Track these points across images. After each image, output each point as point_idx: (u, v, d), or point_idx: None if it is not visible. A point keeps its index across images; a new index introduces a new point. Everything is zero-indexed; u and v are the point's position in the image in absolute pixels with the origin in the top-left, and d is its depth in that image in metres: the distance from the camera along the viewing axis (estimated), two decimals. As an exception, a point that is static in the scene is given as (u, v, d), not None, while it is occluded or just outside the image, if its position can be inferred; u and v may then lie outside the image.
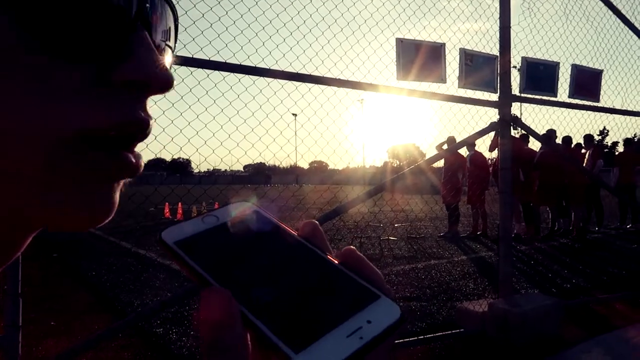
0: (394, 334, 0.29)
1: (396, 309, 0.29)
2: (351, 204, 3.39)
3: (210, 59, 2.91)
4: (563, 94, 4.47)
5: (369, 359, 0.27)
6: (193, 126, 3.11)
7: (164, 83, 0.32)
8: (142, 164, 0.34)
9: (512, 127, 4.14)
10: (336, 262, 0.32)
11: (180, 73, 3.07)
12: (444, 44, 3.73)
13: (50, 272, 6.47)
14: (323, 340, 0.26)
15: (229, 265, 0.30)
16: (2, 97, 0.27)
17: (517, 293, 4.82)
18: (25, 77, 0.27)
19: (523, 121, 4.15)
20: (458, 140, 4.01)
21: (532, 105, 4.50)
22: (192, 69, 2.97)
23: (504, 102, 3.92)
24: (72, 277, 6.31)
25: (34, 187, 0.29)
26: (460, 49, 3.82)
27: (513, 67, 4.13)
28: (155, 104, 3.33)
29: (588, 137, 10.34)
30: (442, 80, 3.74)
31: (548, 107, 4.57)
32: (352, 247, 0.33)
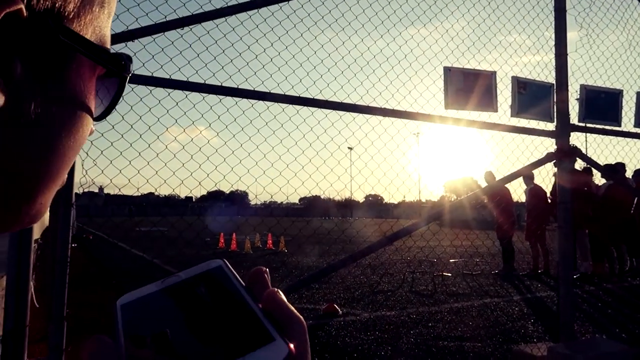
0: None
1: (282, 351, 0.30)
2: (397, 235, 3.29)
3: (271, 91, 2.99)
4: (628, 124, 4.20)
5: None
6: (250, 159, 3.21)
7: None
8: None
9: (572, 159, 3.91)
10: (257, 308, 0.34)
11: (241, 105, 3.17)
12: (495, 72, 3.62)
13: (107, 299, 6.69)
14: None
15: (148, 317, 0.34)
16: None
17: (580, 337, 4.46)
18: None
19: (584, 153, 3.92)
20: (508, 172, 3.83)
21: (593, 135, 4.25)
22: (252, 101, 3.07)
23: (562, 132, 3.72)
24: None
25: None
26: (512, 77, 3.69)
27: (576, 98, 3.95)
28: (217, 135, 3.46)
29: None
30: (494, 109, 3.61)
31: (611, 137, 4.29)
32: (274, 290, 0.36)
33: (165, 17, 2.86)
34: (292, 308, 0.35)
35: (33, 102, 0.32)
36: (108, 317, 5.57)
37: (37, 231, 3.67)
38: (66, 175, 0.40)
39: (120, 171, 2.80)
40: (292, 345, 0.31)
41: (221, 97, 2.99)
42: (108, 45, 0.40)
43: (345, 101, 3.24)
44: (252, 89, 3.01)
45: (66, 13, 0.33)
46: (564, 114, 3.75)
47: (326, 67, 3.58)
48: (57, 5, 0.32)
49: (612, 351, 3.65)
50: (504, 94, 3.74)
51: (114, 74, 0.40)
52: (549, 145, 3.87)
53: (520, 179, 6.95)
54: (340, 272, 8.83)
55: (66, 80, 0.35)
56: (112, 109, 0.42)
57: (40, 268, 3.21)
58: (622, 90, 4.11)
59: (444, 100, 3.48)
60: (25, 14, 0.29)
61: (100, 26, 0.37)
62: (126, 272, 9.20)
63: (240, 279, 0.38)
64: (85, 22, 0.35)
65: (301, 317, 0.35)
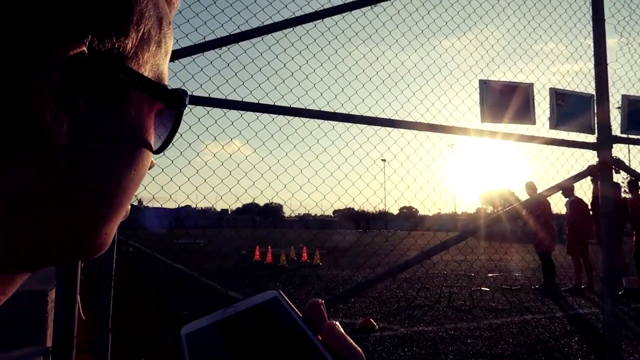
0: None
1: None
2: (432, 251, 3.26)
3: (306, 107, 3.05)
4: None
5: None
6: (287, 174, 3.27)
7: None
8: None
9: (614, 172, 3.78)
10: (316, 340, 0.36)
11: (278, 122, 3.25)
12: (532, 83, 3.56)
13: (147, 310, 6.85)
14: None
15: (211, 346, 0.37)
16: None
17: (628, 357, 4.27)
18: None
19: (628, 165, 3.79)
20: (549, 186, 3.74)
21: (637, 147, 4.11)
22: (289, 117, 3.13)
23: (603, 144, 3.61)
24: (166, 316, 6.62)
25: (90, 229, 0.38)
26: (550, 88, 3.62)
27: (617, 108, 3.84)
28: (255, 151, 3.54)
29: None
30: (532, 122, 3.55)
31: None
32: (333, 322, 0.37)
33: (204, 37, 2.96)
34: (351, 340, 0.36)
35: (95, 137, 0.34)
36: (148, 330, 5.70)
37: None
38: (129, 207, 0.42)
39: (162, 187, 2.89)
40: None
41: (258, 114, 3.06)
42: (165, 82, 0.42)
43: (380, 116, 3.26)
44: (289, 105, 3.07)
45: (125, 52, 0.35)
46: (605, 126, 3.64)
47: (361, 83, 3.62)
48: (117, 45, 0.34)
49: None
50: (542, 106, 3.68)
51: (171, 108, 0.42)
52: (590, 157, 3.77)
53: (560, 191, 6.76)
54: (376, 286, 8.76)
55: (126, 115, 0.37)
56: (170, 142, 0.44)
57: (85, 280, 3.33)
58: (667, 100, 3.97)
59: (480, 113, 3.44)
60: (87, 55, 0.31)
61: (157, 64, 0.40)
62: (165, 284, 9.39)
63: (296, 309, 0.40)
64: (143, 60, 0.37)
65: (360, 349, 0.36)
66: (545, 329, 6.01)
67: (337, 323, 0.37)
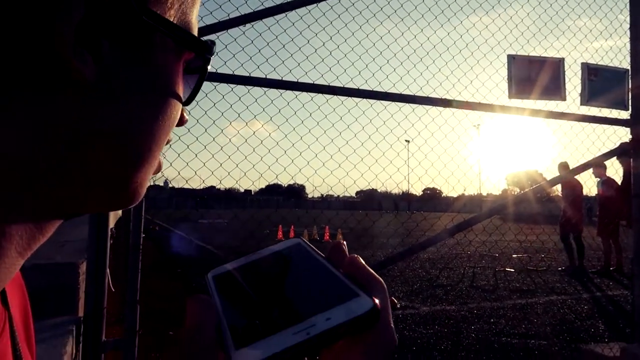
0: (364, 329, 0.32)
1: (367, 304, 0.32)
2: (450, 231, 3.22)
3: (330, 84, 3.02)
4: None
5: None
6: (310, 151, 3.27)
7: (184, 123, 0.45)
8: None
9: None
10: (338, 272, 0.36)
11: (301, 99, 3.23)
12: (563, 58, 3.45)
13: (173, 287, 7.01)
14: (271, 337, 0.30)
15: (238, 286, 0.38)
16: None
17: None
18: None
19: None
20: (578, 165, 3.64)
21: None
22: (312, 94, 3.11)
23: (637, 120, 3.49)
24: (191, 292, 6.77)
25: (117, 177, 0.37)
26: (582, 63, 3.50)
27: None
28: (278, 128, 3.53)
29: None
30: (562, 97, 3.45)
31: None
32: (354, 255, 0.38)
33: (228, 15, 2.95)
34: (372, 270, 0.37)
35: (122, 82, 0.34)
36: (175, 306, 5.84)
37: (111, 220, 3.89)
38: (160, 160, 0.42)
39: (187, 164, 2.92)
40: (376, 300, 0.33)
41: (282, 91, 3.04)
42: (193, 31, 0.41)
43: (404, 92, 3.21)
44: (312, 82, 3.04)
45: None
46: (639, 101, 3.52)
47: (385, 59, 3.56)
48: None
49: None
50: (573, 82, 3.57)
51: (199, 58, 0.41)
52: (623, 134, 3.65)
53: (590, 170, 6.59)
54: (398, 265, 8.78)
55: (153, 61, 0.36)
56: (197, 92, 0.44)
57: (113, 255, 3.42)
58: None
59: (508, 89, 3.36)
60: None
61: (184, 11, 0.39)
62: (191, 262, 9.59)
63: (319, 251, 0.40)
64: (168, 4, 0.36)
65: (380, 278, 0.36)
66: (571, 310, 5.94)
67: (358, 256, 0.38)
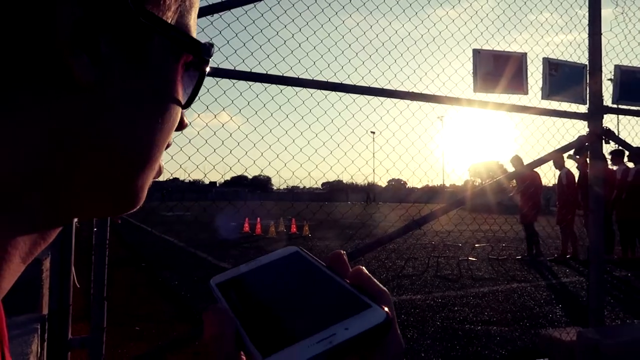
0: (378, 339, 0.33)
1: (381, 315, 0.33)
2: (420, 221, 3.29)
3: (299, 76, 3.00)
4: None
5: None
6: (279, 144, 3.25)
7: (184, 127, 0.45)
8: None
9: (604, 142, 3.82)
10: (344, 283, 0.37)
11: (270, 91, 3.20)
12: (526, 53, 3.55)
13: (138, 281, 6.88)
14: (294, 346, 0.31)
15: (246, 293, 0.38)
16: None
17: (610, 323, 4.41)
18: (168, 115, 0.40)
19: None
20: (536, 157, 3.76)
21: (626, 118, 4.16)
22: (281, 86, 3.08)
23: (595, 114, 3.64)
24: (157, 286, 6.66)
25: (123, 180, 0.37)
26: (543, 58, 3.61)
27: (609, 79, 3.85)
28: (247, 121, 3.49)
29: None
30: (524, 91, 3.56)
31: (647, 119, 4.18)
32: (360, 267, 0.38)
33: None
34: (377, 282, 0.37)
35: (119, 85, 0.34)
36: (140, 300, 5.74)
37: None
38: (161, 164, 0.42)
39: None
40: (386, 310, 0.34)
41: (250, 83, 3.01)
42: (192, 33, 0.41)
43: (372, 85, 3.23)
44: (281, 74, 3.02)
45: None
46: (597, 96, 3.66)
47: (354, 52, 3.57)
48: None
49: (644, 336, 3.60)
50: (535, 76, 3.67)
51: (197, 60, 0.41)
52: (581, 128, 3.80)
53: (551, 162, 6.83)
54: (365, 256, 8.88)
55: (151, 63, 0.36)
56: (196, 96, 0.43)
57: (77, 250, 3.33)
58: (658, 71, 3.99)
59: (473, 83, 3.43)
60: None
61: (182, 14, 0.39)
62: (155, 255, 9.42)
63: (319, 260, 0.40)
64: (166, 6, 0.36)
65: (385, 288, 0.37)
66: (531, 297, 6.16)
67: (363, 267, 0.38)
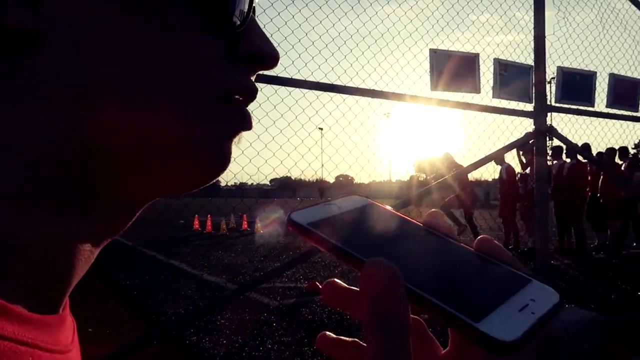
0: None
1: (553, 291, 0.29)
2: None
3: None
4: (601, 104, 4.38)
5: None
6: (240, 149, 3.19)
7: (274, 58, 0.36)
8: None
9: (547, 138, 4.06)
10: (471, 248, 0.32)
11: None
12: (478, 54, 3.72)
13: (87, 281, 6.61)
14: (498, 311, 0.26)
15: (375, 246, 0.31)
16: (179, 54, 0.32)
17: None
18: (192, 43, 0.33)
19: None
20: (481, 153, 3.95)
21: (567, 116, 4.44)
22: None
23: (539, 112, 3.86)
24: (107, 287, 6.44)
25: (177, 140, 0.32)
26: (494, 59, 3.80)
27: (548, 81, 4.08)
28: None
29: (623, 149, 10.07)
30: (477, 90, 3.72)
31: (585, 117, 4.48)
32: (487, 236, 0.33)
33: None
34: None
35: (76, 18, 0.29)
36: (89, 299, 5.53)
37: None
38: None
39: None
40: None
41: None
42: None
43: (322, 81, 3.24)
44: None
45: None
46: (541, 95, 3.89)
47: (303, 47, 3.56)
48: None
49: (584, 319, 3.87)
50: (486, 76, 3.85)
51: None
52: (527, 125, 4.02)
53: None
54: (319, 251, 8.94)
55: None
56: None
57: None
58: (596, 72, 4.28)
59: (430, 81, 3.55)
60: None
61: None
62: (102, 254, 9.07)
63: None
64: None
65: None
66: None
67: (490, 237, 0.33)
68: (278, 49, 0.35)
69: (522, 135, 3.95)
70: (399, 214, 0.35)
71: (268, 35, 0.36)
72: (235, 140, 0.36)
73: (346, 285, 0.31)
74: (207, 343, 4.09)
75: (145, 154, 0.32)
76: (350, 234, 0.32)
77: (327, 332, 0.33)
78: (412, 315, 0.30)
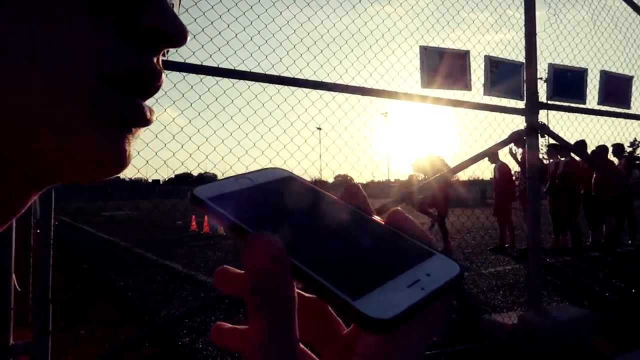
0: (450, 291, 0.27)
1: (454, 265, 0.28)
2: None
3: (236, 68, 2.95)
4: (592, 102, 4.38)
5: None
6: (225, 144, 3.17)
7: (179, 33, 0.32)
8: (154, 118, 0.33)
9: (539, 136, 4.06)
10: (382, 222, 0.31)
11: (206, 82, 3.13)
12: (469, 51, 3.71)
13: (81, 283, 6.60)
14: (382, 288, 0.25)
15: (271, 220, 0.29)
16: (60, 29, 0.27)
17: (547, 305, 4.69)
18: (74, 22, 0.28)
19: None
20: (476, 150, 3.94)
21: (559, 113, 4.43)
22: (218, 78, 3.01)
23: (531, 110, 3.85)
24: (101, 288, 6.42)
25: (63, 124, 0.28)
26: (485, 56, 3.79)
27: (539, 78, 4.07)
28: (182, 113, 3.40)
29: (619, 147, 10.08)
30: (467, 87, 3.71)
31: (577, 115, 4.48)
32: (398, 208, 0.31)
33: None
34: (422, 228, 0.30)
35: None
36: (82, 302, 5.51)
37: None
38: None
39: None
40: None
41: (185, 74, 2.91)
42: None
43: (311, 79, 3.23)
44: (217, 65, 2.93)
45: None
46: (532, 92, 3.88)
47: (292, 44, 3.51)
48: None
49: (577, 316, 3.87)
50: (477, 73, 3.84)
51: None
52: (519, 122, 4.01)
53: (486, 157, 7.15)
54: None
55: None
56: None
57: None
58: (587, 69, 4.28)
59: (421, 79, 3.55)
60: None
61: None
62: (98, 257, 9.06)
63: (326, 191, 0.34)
64: None
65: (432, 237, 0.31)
66: (473, 285, 6.44)
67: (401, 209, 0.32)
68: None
69: (511, 133, 3.94)
70: (317, 188, 0.34)
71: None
72: (132, 136, 0.32)
73: (237, 270, 0.29)
74: (200, 344, 4.07)
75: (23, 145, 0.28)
76: (251, 208, 0.30)
77: (221, 322, 0.31)
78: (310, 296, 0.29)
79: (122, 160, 0.31)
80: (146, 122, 0.32)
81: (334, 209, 0.32)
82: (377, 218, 0.31)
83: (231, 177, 0.33)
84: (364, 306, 0.24)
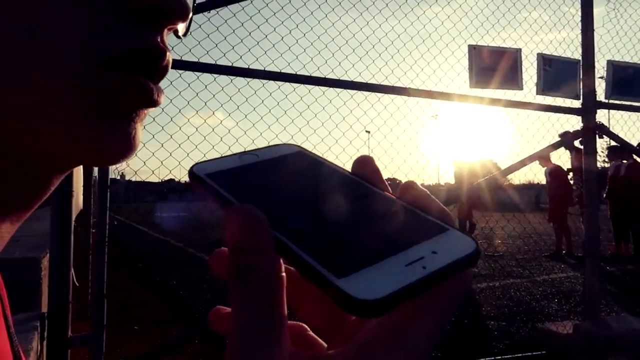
0: (466, 273, 0.25)
1: (469, 242, 0.25)
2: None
3: (281, 70, 3.00)
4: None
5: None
6: (264, 137, 3.23)
7: (181, 9, 0.30)
8: (162, 99, 0.32)
9: (597, 137, 3.86)
10: (394, 197, 0.29)
11: (253, 85, 3.20)
12: (520, 49, 3.59)
13: (136, 281, 6.87)
14: (376, 267, 0.23)
15: (264, 196, 0.28)
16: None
17: (606, 316, 4.45)
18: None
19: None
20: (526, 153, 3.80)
21: (619, 113, 4.21)
22: (264, 81, 3.07)
23: (588, 109, 3.67)
24: (155, 286, 6.66)
25: (64, 114, 0.27)
26: (537, 53, 3.65)
27: (600, 77, 3.88)
28: (229, 116, 3.49)
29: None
30: (519, 87, 3.59)
31: (639, 114, 4.23)
32: (412, 180, 0.29)
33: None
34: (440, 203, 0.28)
35: None
36: (138, 300, 5.74)
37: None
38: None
39: (144, 163, 2.87)
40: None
41: (232, 77, 2.97)
42: None
43: (370, 82, 3.24)
44: (263, 68, 2.98)
45: None
46: (590, 91, 3.70)
47: (351, 48, 3.57)
48: None
49: (638, 328, 3.65)
50: (529, 72, 3.71)
51: None
52: (575, 123, 3.84)
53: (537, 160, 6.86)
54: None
55: None
56: None
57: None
58: (650, 66, 4.04)
59: (469, 79, 3.46)
60: None
61: None
62: (153, 256, 9.41)
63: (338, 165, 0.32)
64: None
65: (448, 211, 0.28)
66: (527, 292, 6.20)
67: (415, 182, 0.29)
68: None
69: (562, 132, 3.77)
70: (328, 162, 0.32)
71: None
72: (139, 117, 0.31)
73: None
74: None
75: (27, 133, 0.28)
76: (247, 185, 0.29)
77: (220, 307, 0.30)
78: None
79: (127, 145, 0.30)
80: (153, 102, 0.31)
81: (338, 183, 0.30)
82: (387, 193, 0.29)
83: (237, 153, 0.32)
84: (349, 285, 0.21)
